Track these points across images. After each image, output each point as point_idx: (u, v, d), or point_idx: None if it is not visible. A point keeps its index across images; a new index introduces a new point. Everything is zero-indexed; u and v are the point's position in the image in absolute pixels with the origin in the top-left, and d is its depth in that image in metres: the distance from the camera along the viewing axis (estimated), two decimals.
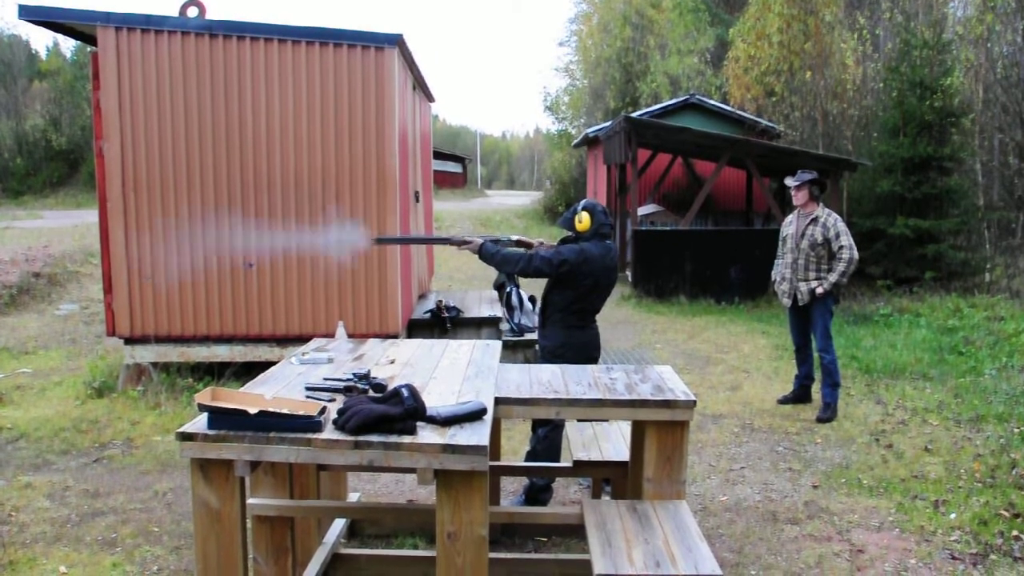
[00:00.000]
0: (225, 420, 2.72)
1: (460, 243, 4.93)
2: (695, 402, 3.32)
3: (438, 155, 44.47)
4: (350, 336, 4.58)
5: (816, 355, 7.07)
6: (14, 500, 5.11)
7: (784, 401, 7.27)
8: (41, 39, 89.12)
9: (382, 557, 3.99)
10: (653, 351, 9.52)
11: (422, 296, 10.16)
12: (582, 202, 4.96)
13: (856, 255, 6.75)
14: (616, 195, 16.85)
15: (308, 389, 3.29)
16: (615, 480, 4.22)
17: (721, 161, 13.35)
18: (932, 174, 13.65)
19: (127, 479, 5.50)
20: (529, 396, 3.33)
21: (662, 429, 3.32)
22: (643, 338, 10.31)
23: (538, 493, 4.84)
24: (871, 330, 10.57)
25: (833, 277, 6.74)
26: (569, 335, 4.84)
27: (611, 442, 4.31)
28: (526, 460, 4.82)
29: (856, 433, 6.51)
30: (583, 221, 4.82)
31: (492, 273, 11.28)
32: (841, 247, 6.72)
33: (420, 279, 10.06)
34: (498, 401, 3.29)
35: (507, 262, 4.86)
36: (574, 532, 4.44)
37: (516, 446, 6.26)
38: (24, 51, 42.08)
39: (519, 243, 5.02)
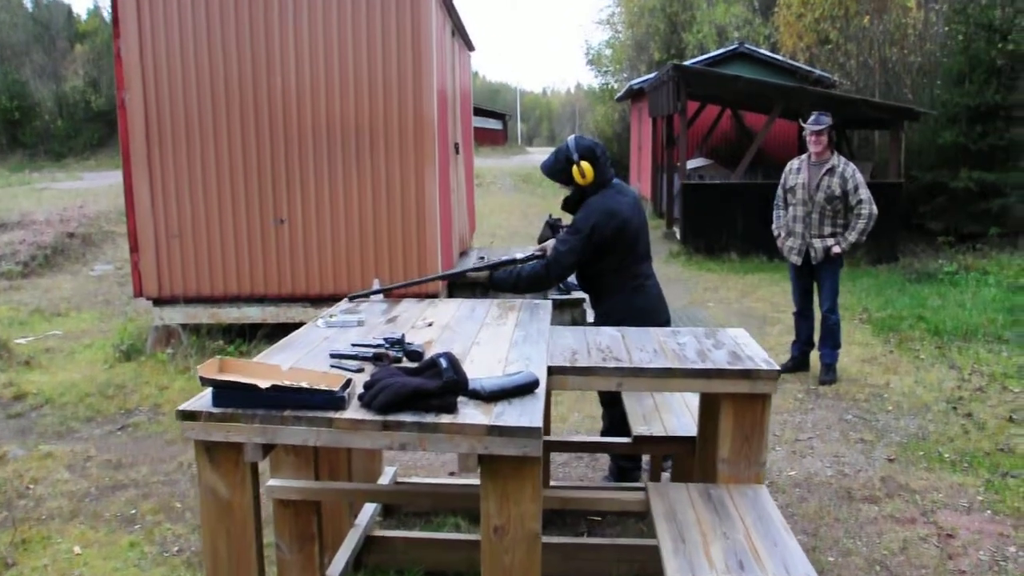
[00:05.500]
0: (233, 396, 2.32)
1: (458, 275, 4.20)
2: (779, 372, 2.86)
3: (478, 112, 43.78)
4: (387, 296, 4.16)
5: (822, 315, 6.45)
6: (33, 471, 4.83)
7: (783, 370, 6.61)
8: (83, 2, 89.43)
9: (420, 540, 3.62)
10: (706, 310, 9.02)
11: (463, 253, 9.73)
12: (572, 144, 4.02)
13: (876, 210, 6.14)
14: (663, 148, 16.20)
15: (333, 356, 2.88)
16: (679, 458, 3.77)
17: (774, 111, 12.64)
18: (999, 124, 12.82)
19: (151, 449, 5.20)
20: (587, 364, 2.88)
21: (740, 403, 2.86)
22: (694, 296, 9.81)
23: (629, 473, 4.35)
24: (936, 288, 9.95)
25: (853, 236, 6.14)
26: (630, 302, 4.10)
27: (674, 413, 3.84)
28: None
29: (930, 400, 5.99)
30: (586, 174, 3.97)
31: (536, 230, 10.75)
32: (860, 201, 6.10)
33: (461, 236, 9.63)
34: (551, 371, 2.86)
35: (534, 280, 4.05)
36: (630, 511, 4.03)
37: (564, 412, 5.86)
38: (63, 14, 42.09)
39: (532, 258, 4.20)
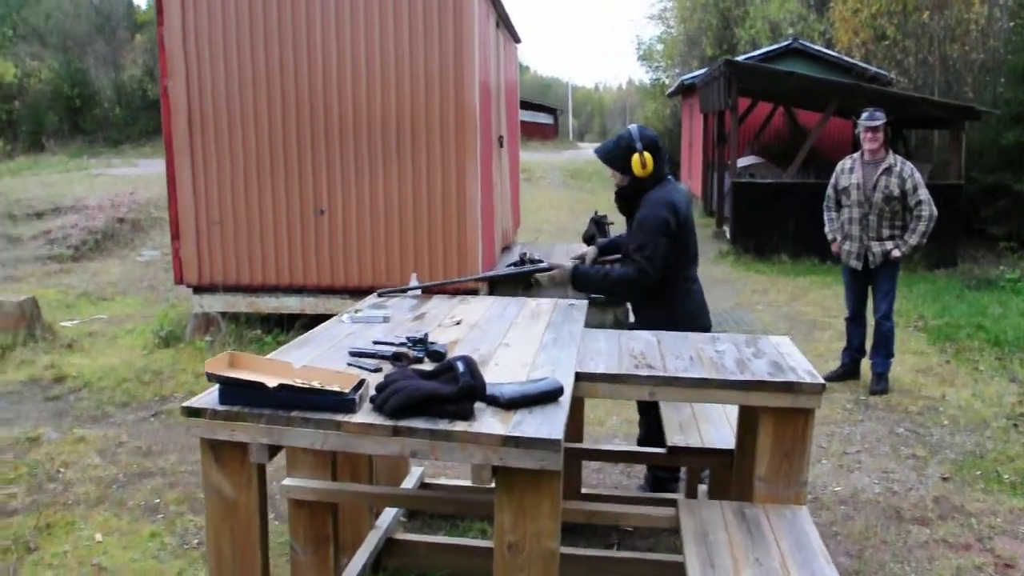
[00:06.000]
0: (239, 394, 2.22)
1: (534, 272, 3.98)
2: (824, 386, 2.66)
3: (529, 106, 43.45)
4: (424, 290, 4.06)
5: (876, 321, 6.15)
6: (65, 455, 4.83)
7: (831, 378, 6.35)
8: None
9: (443, 546, 3.49)
10: (754, 313, 8.76)
11: (506, 248, 9.59)
12: (636, 132, 3.80)
13: (936, 211, 5.85)
14: (713, 146, 15.87)
15: (352, 354, 2.77)
16: (716, 471, 3.58)
17: (828, 109, 12.26)
18: None
19: (182, 436, 5.16)
20: (617, 372, 2.72)
21: (781, 418, 2.67)
22: (742, 298, 9.53)
23: (666, 484, 4.19)
24: (997, 296, 9.53)
25: (914, 239, 5.84)
26: (681, 306, 3.90)
27: (713, 424, 3.65)
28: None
29: (989, 415, 5.69)
30: (647, 165, 3.74)
31: (583, 226, 10.61)
32: (920, 202, 5.79)
33: (504, 230, 9.49)
34: (579, 377, 2.70)
35: (626, 283, 3.74)
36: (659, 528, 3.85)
37: (602, 415, 5.70)
38: (125, 4, 42.84)
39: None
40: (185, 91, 6.96)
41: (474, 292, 7.00)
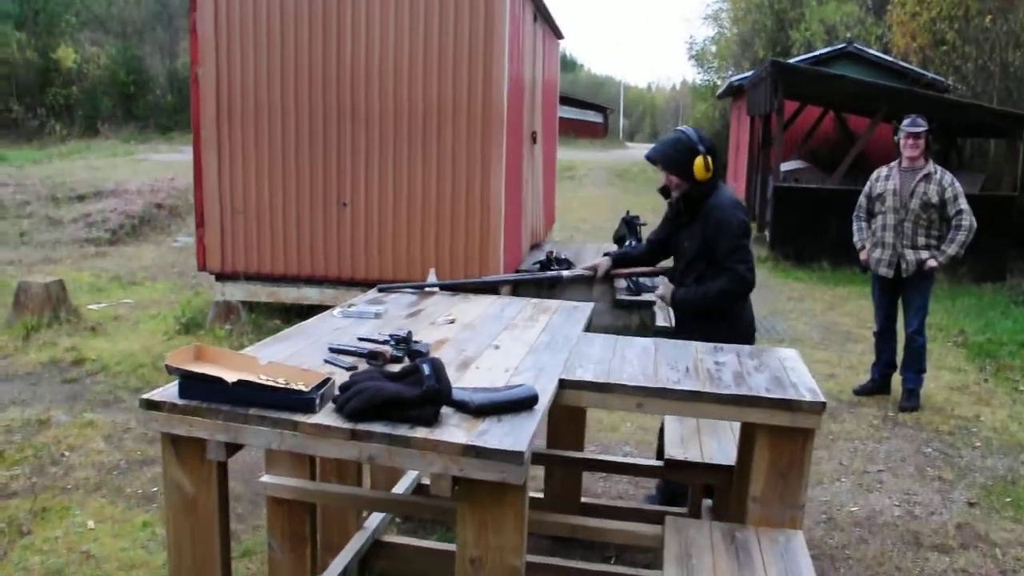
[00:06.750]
0: (199, 389, 2.14)
1: (487, 283, 3.76)
2: (824, 405, 2.50)
3: (578, 104, 43.22)
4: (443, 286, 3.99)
5: (907, 336, 5.89)
6: (72, 438, 4.83)
7: (860, 392, 6.16)
8: None
9: (431, 550, 3.39)
10: (787, 321, 8.51)
11: (535, 246, 9.46)
12: (694, 135, 3.65)
13: (975, 223, 5.60)
14: (758, 149, 15.55)
15: (331, 351, 2.68)
16: (719, 490, 3.41)
17: (877, 116, 11.89)
18: None
19: None
20: (605, 380, 2.58)
21: (777, 436, 2.52)
22: (777, 306, 9.27)
23: (680, 498, 4.02)
24: None
25: (952, 249, 5.58)
26: (740, 312, 3.75)
27: (717, 438, 3.49)
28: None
29: None
30: (710, 168, 3.58)
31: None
32: (960, 212, 5.55)
33: (534, 228, 9.37)
34: (564, 384, 2.58)
35: (728, 295, 3.62)
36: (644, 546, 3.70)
37: (616, 421, 5.54)
38: None
39: (580, 278, 4.01)
40: (215, 79, 6.96)
41: (495, 291, 6.89)
